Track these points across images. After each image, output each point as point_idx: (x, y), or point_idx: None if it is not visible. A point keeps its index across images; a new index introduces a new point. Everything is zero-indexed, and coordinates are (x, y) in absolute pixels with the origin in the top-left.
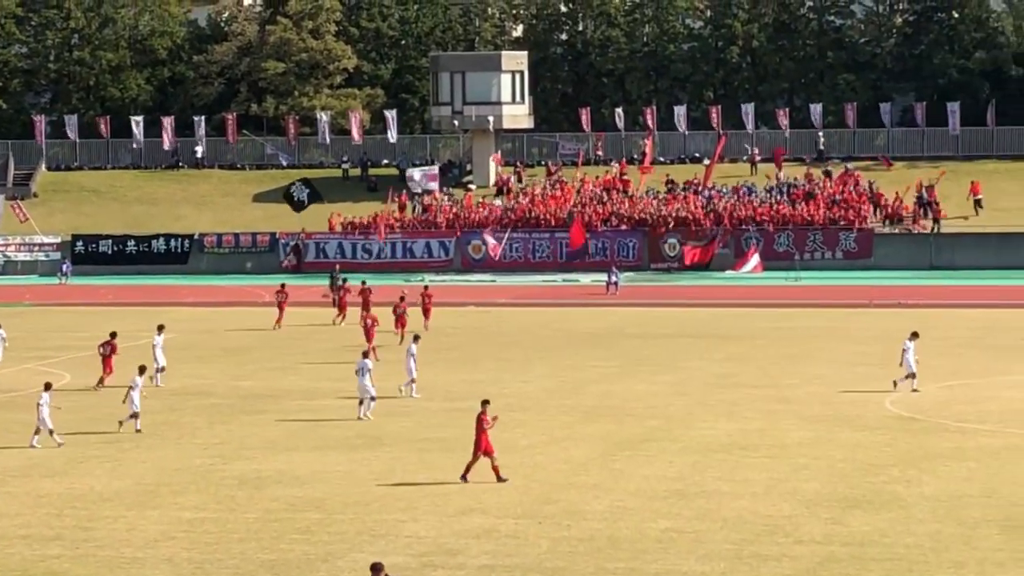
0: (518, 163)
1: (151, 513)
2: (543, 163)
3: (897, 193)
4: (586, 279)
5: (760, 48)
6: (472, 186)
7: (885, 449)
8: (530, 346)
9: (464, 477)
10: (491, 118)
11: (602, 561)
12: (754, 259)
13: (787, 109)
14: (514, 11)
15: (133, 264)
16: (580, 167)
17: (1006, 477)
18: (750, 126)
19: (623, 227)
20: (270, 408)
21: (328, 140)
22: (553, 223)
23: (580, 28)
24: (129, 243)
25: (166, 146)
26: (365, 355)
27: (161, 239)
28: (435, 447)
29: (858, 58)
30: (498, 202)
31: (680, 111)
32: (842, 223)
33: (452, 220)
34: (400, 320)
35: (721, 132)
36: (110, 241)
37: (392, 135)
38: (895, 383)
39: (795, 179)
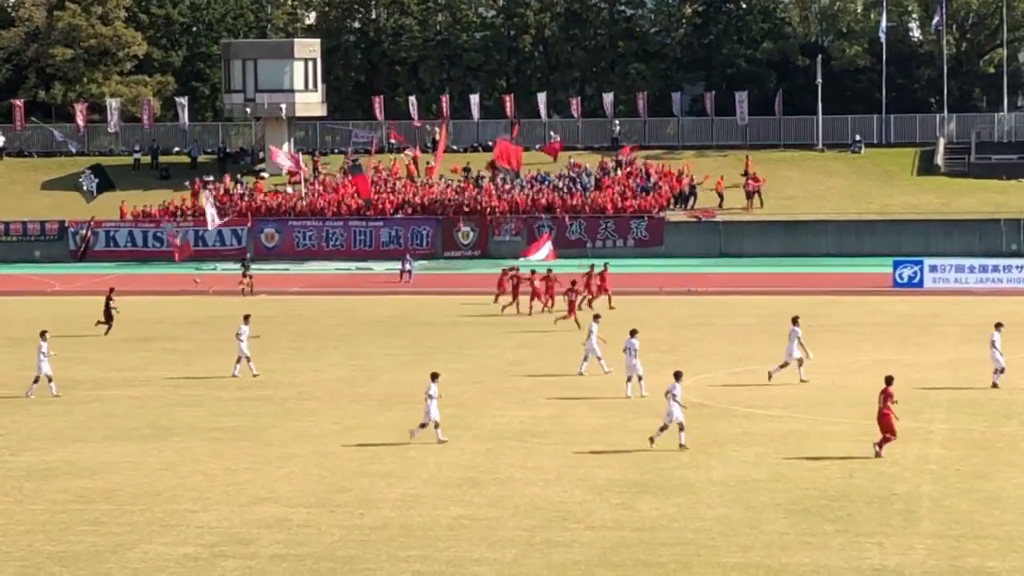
0: (315, 152)
1: None
2: (336, 151)
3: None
4: (380, 267)
5: (552, 37)
6: (264, 174)
7: (675, 435)
8: (323, 334)
9: (878, 453)
10: (283, 106)
11: (394, 549)
12: (546, 247)
13: (579, 98)
14: None
15: None
16: (373, 155)
17: (792, 462)
18: (543, 115)
19: (416, 215)
20: (58, 398)
21: (118, 128)
22: (346, 211)
23: (373, 16)
24: None
25: None
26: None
27: None
28: (226, 436)
29: (649, 48)
30: (290, 190)
31: (474, 100)
32: (635, 212)
33: (245, 208)
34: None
35: (514, 120)
36: None
37: (184, 122)
38: (994, 384)
39: (587, 167)
